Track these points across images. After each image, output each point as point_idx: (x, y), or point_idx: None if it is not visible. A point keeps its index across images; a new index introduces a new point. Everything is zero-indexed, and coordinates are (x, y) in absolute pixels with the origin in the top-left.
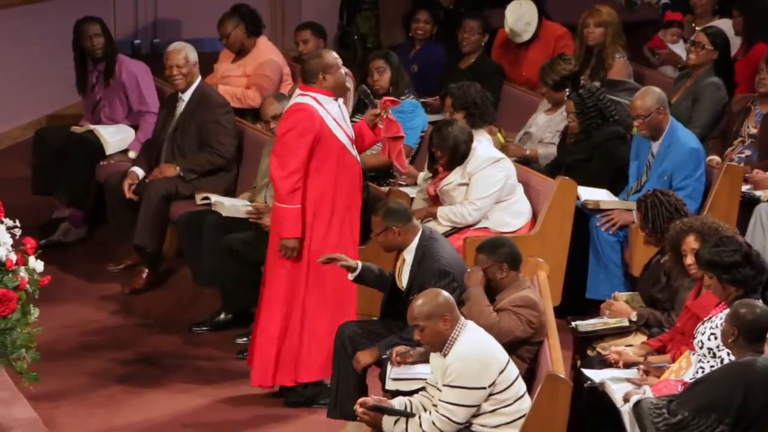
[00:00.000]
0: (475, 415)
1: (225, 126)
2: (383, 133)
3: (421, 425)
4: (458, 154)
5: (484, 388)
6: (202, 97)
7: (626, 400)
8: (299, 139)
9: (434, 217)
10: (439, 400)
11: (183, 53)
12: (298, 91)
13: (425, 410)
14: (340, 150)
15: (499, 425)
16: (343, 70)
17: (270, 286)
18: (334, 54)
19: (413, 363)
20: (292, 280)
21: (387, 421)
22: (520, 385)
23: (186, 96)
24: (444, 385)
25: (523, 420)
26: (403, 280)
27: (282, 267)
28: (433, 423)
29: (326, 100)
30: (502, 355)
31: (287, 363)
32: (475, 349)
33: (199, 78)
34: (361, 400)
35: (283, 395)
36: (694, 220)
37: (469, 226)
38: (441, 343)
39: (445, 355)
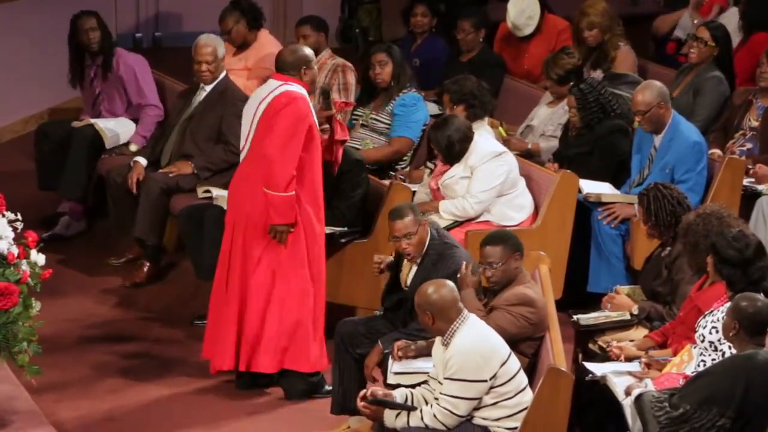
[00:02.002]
0: (476, 408)
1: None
2: (336, 135)
3: (422, 418)
4: (453, 153)
5: (485, 380)
6: (225, 89)
7: (628, 393)
8: (300, 127)
9: (436, 210)
10: (441, 393)
11: (212, 48)
12: (275, 81)
13: (426, 403)
14: (318, 141)
15: (500, 418)
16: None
17: (254, 275)
18: (312, 51)
19: (414, 357)
20: (279, 266)
21: (388, 414)
22: (522, 378)
23: (208, 87)
24: (445, 378)
25: (524, 413)
26: (408, 278)
27: (265, 255)
28: (435, 416)
29: (305, 92)
30: (504, 348)
31: (272, 349)
32: (476, 341)
33: (225, 72)
34: (361, 393)
35: (285, 384)
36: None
37: (470, 220)
38: (443, 332)
39: (445, 345)
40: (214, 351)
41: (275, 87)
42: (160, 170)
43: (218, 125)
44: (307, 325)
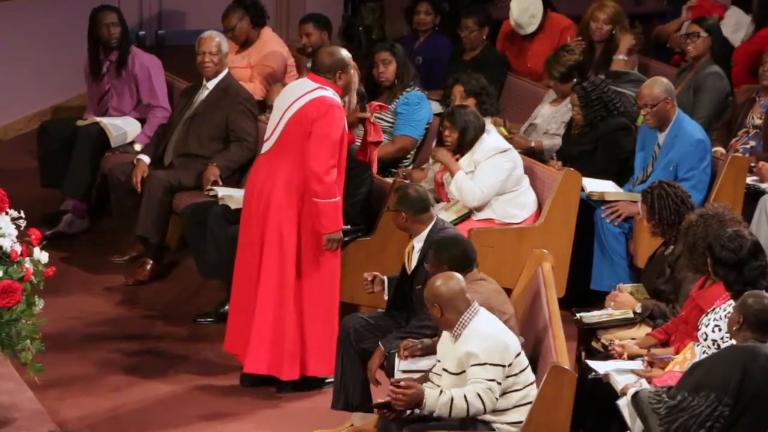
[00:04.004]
0: None
1: (252, 118)
2: (370, 137)
3: (465, 396)
4: (467, 138)
5: (505, 366)
6: (228, 86)
7: (623, 393)
8: (337, 135)
9: (452, 174)
10: (473, 379)
11: (216, 41)
12: (310, 82)
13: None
14: (345, 146)
15: (506, 409)
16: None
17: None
18: (349, 54)
19: (421, 356)
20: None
21: (430, 394)
22: (530, 374)
23: (210, 84)
24: (472, 366)
25: (528, 407)
26: (412, 265)
27: (296, 256)
28: (478, 394)
29: (338, 98)
30: (517, 341)
31: (295, 356)
32: (495, 329)
33: (227, 69)
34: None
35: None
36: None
37: (471, 216)
38: (452, 324)
39: (455, 337)
40: (245, 349)
41: (311, 89)
42: (205, 190)
43: (223, 123)
44: (323, 330)
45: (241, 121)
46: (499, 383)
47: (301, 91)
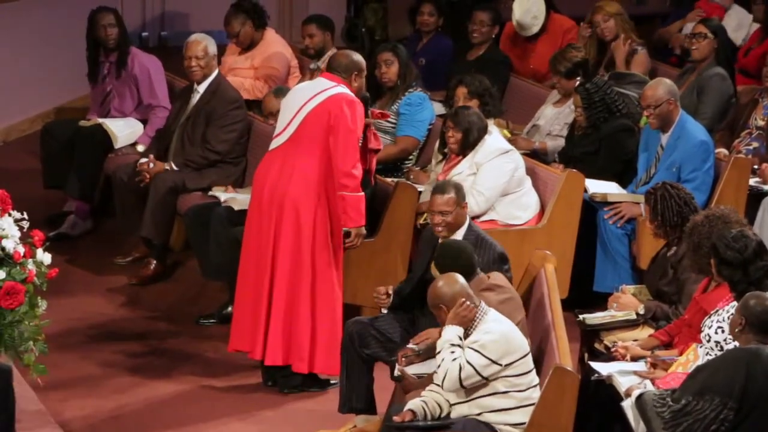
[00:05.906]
0: (485, 395)
1: (229, 122)
2: (370, 144)
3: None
4: (470, 138)
5: (501, 365)
6: (217, 89)
7: (628, 395)
8: (360, 130)
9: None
10: (465, 357)
11: (202, 45)
12: (326, 81)
13: (440, 407)
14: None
15: (508, 408)
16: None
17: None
18: (364, 61)
19: (422, 361)
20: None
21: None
22: (534, 376)
23: (201, 88)
24: (471, 348)
25: (531, 408)
26: None
27: (324, 256)
28: (460, 365)
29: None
30: (524, 342)
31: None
32: (504, 328)
33: (217, 71)
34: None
35: (280, 376)
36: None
37: (475, 217)
38: (465, 325)
39: (465, 338)
40: (254, 342)
41: (329, 86)
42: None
43: (207, 126)
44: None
45: (215, 124)
46: (485, 378)
47: (317, 89)
